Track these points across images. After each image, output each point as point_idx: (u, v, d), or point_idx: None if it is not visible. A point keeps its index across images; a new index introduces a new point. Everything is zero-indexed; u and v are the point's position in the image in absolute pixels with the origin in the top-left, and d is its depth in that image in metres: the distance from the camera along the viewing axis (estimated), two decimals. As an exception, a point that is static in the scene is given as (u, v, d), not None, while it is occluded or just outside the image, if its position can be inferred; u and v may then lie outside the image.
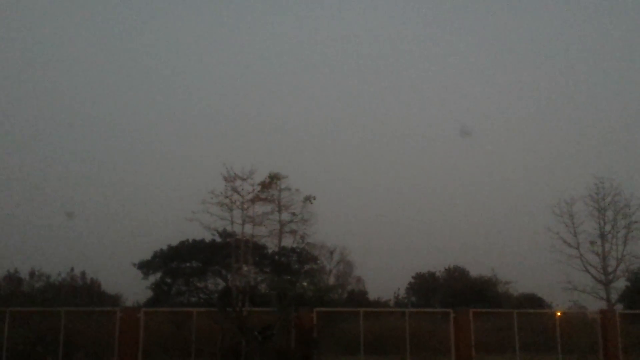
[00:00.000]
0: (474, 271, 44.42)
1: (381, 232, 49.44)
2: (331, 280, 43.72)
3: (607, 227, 37.84)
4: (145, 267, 39.65)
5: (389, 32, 71.34)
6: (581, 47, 65.58)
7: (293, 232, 41.45)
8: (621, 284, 38.40)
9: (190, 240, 40.10)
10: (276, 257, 41.25)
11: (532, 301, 42.31)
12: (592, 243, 37.85)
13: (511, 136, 60.25)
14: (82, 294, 34.77)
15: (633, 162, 47.62)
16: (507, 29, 68.84)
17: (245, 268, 39.54)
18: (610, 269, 37.60)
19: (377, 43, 70.33)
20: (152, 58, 65.68)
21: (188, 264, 40.02)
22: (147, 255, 39.80)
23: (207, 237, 39.40)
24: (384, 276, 44.43)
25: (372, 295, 43.20)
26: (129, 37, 65.00)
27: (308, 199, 41.52)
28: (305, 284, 35.80)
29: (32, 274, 36.63)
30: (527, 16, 69.76)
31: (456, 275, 45.30)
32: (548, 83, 64.62)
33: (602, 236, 37.82)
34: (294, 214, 41.24)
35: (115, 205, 48.25)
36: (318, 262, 42.98)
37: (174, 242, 40.00)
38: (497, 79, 66.28)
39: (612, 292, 37.68)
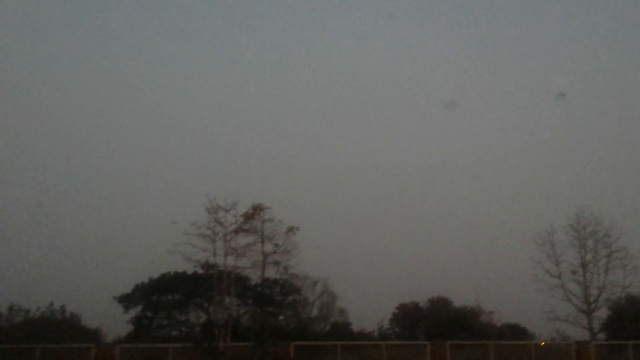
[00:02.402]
0: (458, 301, 44.26)
1: (365, 263, 49.42)
2: (314, 312, 43.39)
3: (589, 257, 38.20)
4: (126, 300, 39.26)
5: (374, 64, 72.33)
6: (560, 82, 66.69)
7: (276, 263, 41.26)
8: (603, 313, 38.54)
9: (172, 273, 39.83)
10: (259, 288, 41.04)
11: (516, 331, 42.17)
12: (574, 272, 38.12)
13: (492, 165, 60.73)
14: (61, 329, 34.28)
15: (613, 191, 48.14)
16: (493, 65, 70.03)
17: (227, 300, 39.39)
18: (592, 299, 37.79)
19: (360, 74, 71.23)
20: (135, 88, 65.98)
21: (169, 297, 39.70)
22: (127, 289, 39.53)
23: (189, 269, 39.26)
24: (368, 307, 44.19)
25: (356, 327, 42.88)
26: (113, 70, 65.43)
27: (291, 229, 41.42)
28: (281, 317, 35.51)
29: (10, 308, 36.12)
30: (511, 54, 71.03)
31: (440, 305, 45.12)
32: (528, 113, 65.58)
33: (584, 265, 38.11)
34: (277, 245, 41.06)
35: (96, 238, 47.94)
36: (301, 293, 42.72)
37: (156, 275, 39.74)
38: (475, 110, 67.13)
39: (594, 321, 37.80)
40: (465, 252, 49.26)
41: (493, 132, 63.14)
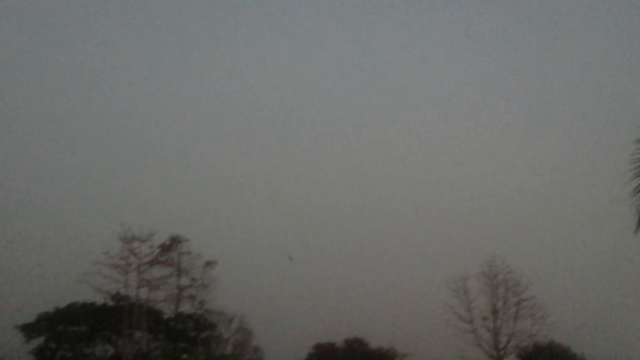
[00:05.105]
0: (374, 343, 44.50)
1: (283, 300, 48.77)
2: (229, 349, 42.34)
3: (499, 304, 39.31)
4: (28, 329, 37.06)
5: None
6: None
7: (192, 297, 40.39)
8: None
9: (80, 303, 38.07)
10: (172, 323, 39.84)
11: (428, 374, 42.62)
12: (485, 319, 39.11)
13: (409, 210, 61.63)
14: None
15: (524, 242, 49.84)
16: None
17: (137, 334, 38.02)
18: (501, 345, 38.80)
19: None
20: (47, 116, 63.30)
21: (76, 329, 37.80)
22: (31, 317, 37.39)
23: (99, 300, 37.73)
24: (285, 346, 43.55)
25: (270, 366, 42.25)
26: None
27: (209, 263, 40.81)
28: (185, 356, 34.58)
29: None
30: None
31: (355, 346, 45.15)
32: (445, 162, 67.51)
33: (494, 312, 39.17)
34: (193, 278, 40.34)
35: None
36: (216, 329, 41.66)
37: (62, 304, 37.85)
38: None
39: (503, 368, 38.76)
40: (382, 293, 49.56)
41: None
